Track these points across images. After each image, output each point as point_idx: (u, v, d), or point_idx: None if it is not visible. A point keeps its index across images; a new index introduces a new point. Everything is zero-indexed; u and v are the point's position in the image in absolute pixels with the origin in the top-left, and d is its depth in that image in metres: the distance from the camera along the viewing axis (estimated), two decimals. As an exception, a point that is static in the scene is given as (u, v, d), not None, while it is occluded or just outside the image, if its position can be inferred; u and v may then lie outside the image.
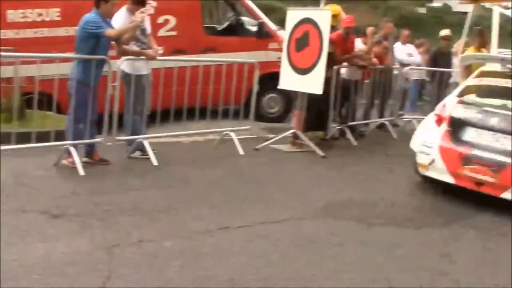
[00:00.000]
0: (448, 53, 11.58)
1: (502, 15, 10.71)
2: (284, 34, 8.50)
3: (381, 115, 10.30)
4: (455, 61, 10.95)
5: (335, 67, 8.66)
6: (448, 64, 11.27)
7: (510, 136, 5.93)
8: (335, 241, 4.84)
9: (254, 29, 10.57)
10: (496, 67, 6.73)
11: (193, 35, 9.81)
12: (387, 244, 4.90)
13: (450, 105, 6.60)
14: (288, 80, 8.25)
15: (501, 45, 16.84)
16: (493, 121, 6.10)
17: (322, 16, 7.96)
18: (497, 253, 4.89)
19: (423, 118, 7.86)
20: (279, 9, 24.95)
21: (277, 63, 8.86)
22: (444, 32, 11.74)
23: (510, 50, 18.33)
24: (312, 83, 7.90)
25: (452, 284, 4.22)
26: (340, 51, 8.83)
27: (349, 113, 9.28)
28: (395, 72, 10.46)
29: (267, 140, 8.38)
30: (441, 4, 79.08)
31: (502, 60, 6.68)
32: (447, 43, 11.59)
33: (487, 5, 13.16)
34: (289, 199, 5.96)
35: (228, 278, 3.92)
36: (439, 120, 6.62)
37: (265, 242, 4.67)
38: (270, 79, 9.28)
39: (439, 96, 10.65)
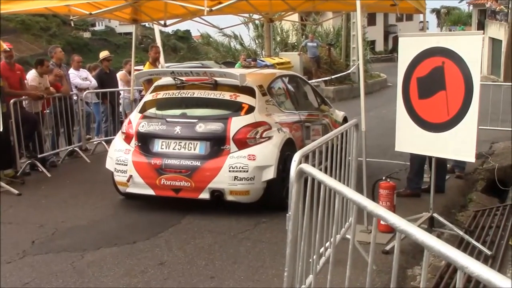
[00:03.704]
0: (111, 72, 12.03)
1: (162, 32, 11.47)
2: None
3: (69, 142, 10.15)
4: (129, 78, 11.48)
5: (12, 100, 8.28)
6: (113, 83, 11.71)
7: (195, 141, 6.48)
8: (53, 278, 4.70)
9: None
10: (169, 80, 7.20)
11: None
12: (107, 264, 4.96)
13: (135, 121, 6.89)
14: (-38, 122, 7.58)
15: (168, 59, 18.13)
16: (177, 130, 6.57)
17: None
18: (206, 251, 5.36)
19: (112, 139, 8.01)
20: None
21: None
22: (103, 53, 12.14)
23: (177, 64, 19.92)
24: (-11, 121, 7.45)
25: (179, 285, 4.52)
26: (10, 79, 8.46)
27: (37, 145, 8.93)
28: (75, 97, 10.42)
29: None
30: (104, 27, 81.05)
31: (172, 73, 7.16)
32: (108, 64, 11.97)
33: (147, 24, 14.05)
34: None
35: None
36: (128, 137, 6.86)
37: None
38: None
39: (114, 115, 11.09)
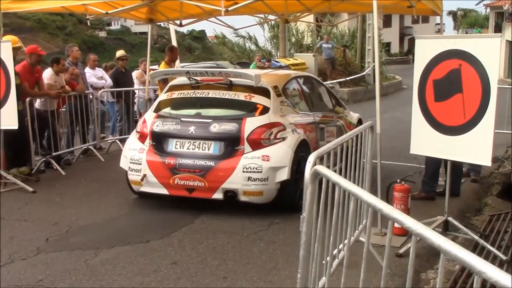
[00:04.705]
0: (127, 71, 12.10)
1: (177, 32, 11.48)
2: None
3: (84, 141, 10.22)
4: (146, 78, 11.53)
5: (28, 99, 8.36)
6: (129, 82, 11.79)
7: (209, 141, 6.48)
8: (67, 275, 4.72)
9: None
10: (184, 80, 7.22)
11: None
12: (121, 262, 4.98)
13: (150, 121, 6.90)
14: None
15: (182, 59, 18.16)
16: (191, 130, 6.58)
17: (4, 47, 7.59)
18: (219, 251, 5.36)
19: (126, 137, 8.05)
20: None
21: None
22: (119, 53, 12.22)
23: (192, 63, 19.97)
24: (7, 119, 7.52)
25: (191, 285, 4.52)
26: (28, 82, 8.54)
27: (52, 143, 8.99)
28: (90, 96, 10.48)
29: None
30: (120, 27, 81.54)
31: (187, 73, 7.17)
32: (124, 63, 12.04)
33: (163, 24, 14.09)
34: (9, 240, 5.60)
35: None
36: (142, 136, 6.88)
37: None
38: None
39: (129, 114, 11.16)
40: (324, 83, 10.17)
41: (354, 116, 9.04)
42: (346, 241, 3.61)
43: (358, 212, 4.44)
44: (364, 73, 23.22)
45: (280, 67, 17.38)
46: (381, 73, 23.14)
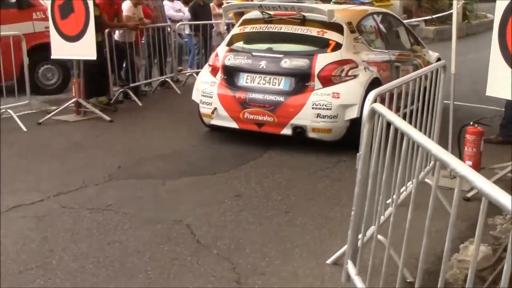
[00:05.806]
0: (205, 5, 12.05)
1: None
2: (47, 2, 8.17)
3: (161, 73, 10.43)
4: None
5: (106, 30, 8.58)
6: (207, 16, 11.75)
7: (280, 77, 6.45)
8: (134, 201, 4.94)
9: (13, -1, 9.80)
10: (257, 14, 7.15)
11: None
12: (186, 192, 5.14)
13: (222, 54, 6.92)
14: (60, 49, 7.94)
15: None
16: (262, 64, 6.55)
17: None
18: (283, 186, 5.42)
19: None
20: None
21: (45, 33, 8.60)
22: None
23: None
24: (85, 49, 7.71)
25: (253, 218, 4.60)
26: (107, 14, 8.74)
27: (130, 74, 9.24)
28: (168, 29, 10.60)
29: (49, 113, 8.00)
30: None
31: (260, 7, 7.09)
32: None
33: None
34: (85, 166, 5.90)
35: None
36: (214, 70, 6.93)
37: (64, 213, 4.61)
38: (42, 50, 8.94)
39: (206, 48, 11.18)
40: (409, 20, 9.76)
41: (433, 55, 8.66)
42: (398, 181, 3.53)
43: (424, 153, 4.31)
44: (451, 10, 22.03)
45: (362, 3, 16.77)
46: (471, 12, 21.90)
